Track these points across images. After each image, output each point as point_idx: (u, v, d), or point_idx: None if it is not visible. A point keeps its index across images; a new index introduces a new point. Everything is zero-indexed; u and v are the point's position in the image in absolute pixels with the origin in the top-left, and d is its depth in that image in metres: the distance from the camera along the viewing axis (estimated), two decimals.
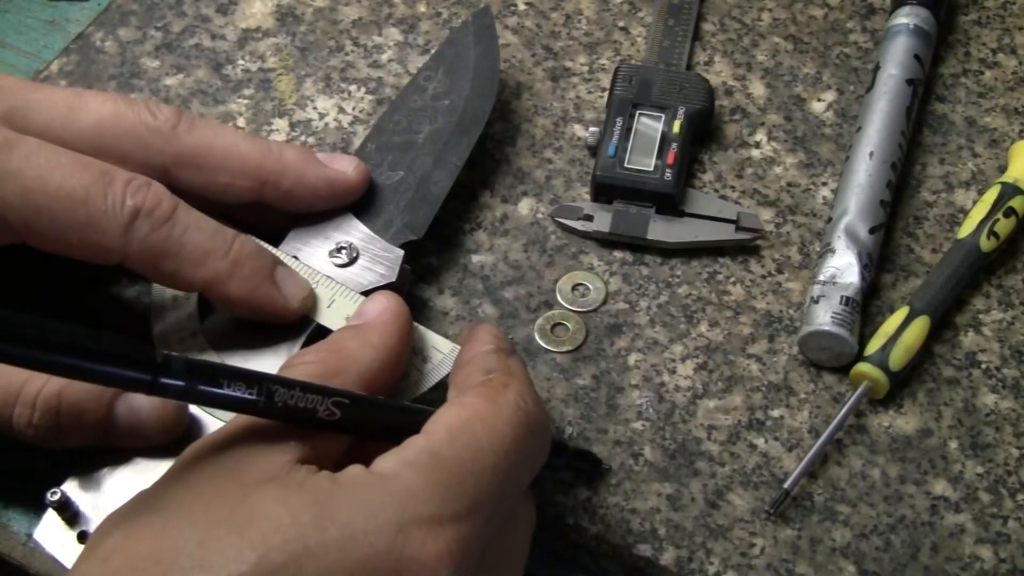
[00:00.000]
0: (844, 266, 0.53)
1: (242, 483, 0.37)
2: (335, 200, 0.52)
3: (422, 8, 0.65)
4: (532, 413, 0.41)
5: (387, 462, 0.38)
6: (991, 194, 0.56)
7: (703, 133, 0.59)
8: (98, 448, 0.45)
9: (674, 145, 0.57)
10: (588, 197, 0.57)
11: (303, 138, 0.59)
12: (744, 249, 0.56)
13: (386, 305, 0.46)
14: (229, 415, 0.46)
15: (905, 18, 0.61)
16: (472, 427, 0.40)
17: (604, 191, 0.56)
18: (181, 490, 0.38)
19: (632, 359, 0.53)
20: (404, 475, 0.38)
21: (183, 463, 0.39)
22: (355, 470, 0.38)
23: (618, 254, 0.56)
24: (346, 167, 0.52)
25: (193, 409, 0.46)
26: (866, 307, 0.54)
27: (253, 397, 0.38)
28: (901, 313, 0.52)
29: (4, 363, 0.34)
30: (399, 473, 0.38)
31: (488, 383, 0.42)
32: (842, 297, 0.52)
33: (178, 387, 0.37)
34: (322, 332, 0.48)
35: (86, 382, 0.36)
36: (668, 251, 0.56)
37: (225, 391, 0.38)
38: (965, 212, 0.57)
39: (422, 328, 0.48)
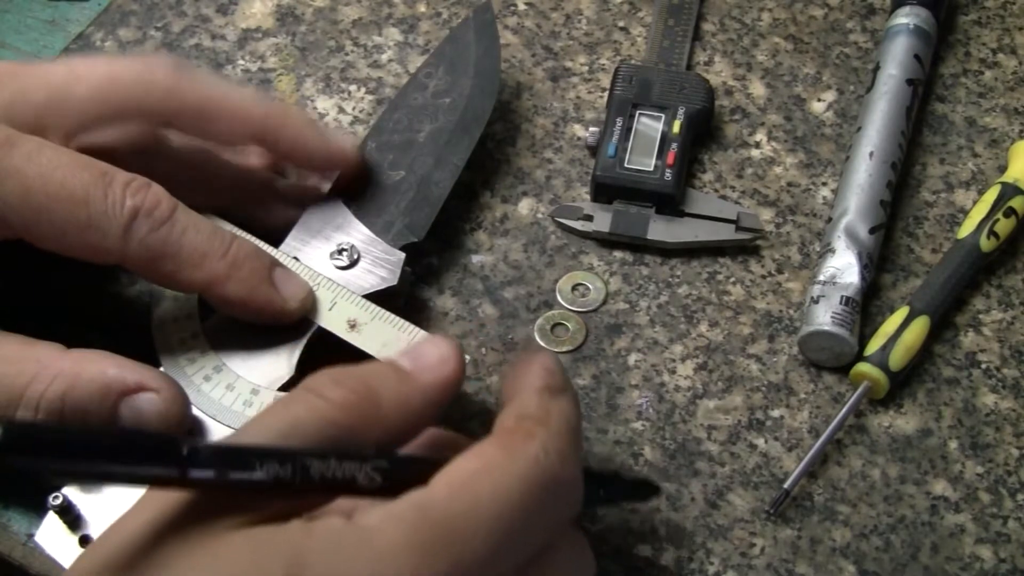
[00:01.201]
0: (844, 266, 0.53)
1: (211, 532, 0.35)
2: (329, 166, 0.52)
3: (422, 8, 0.65)
4: (553, 468, 0.37)
5: (372, 515, 0.35)
6: (991, 194, 0.56)
7: (703, 133, 0.59)
8: None
9: (674, 145, 0.57)
10: (588, 197, 0.57)
11: None
12: (744, 249, 0.56)
13: (446, 358, 0.41)
14: (233, 419, 0.46)
15: (905, 18, 0.61)
16: (476, 481, 0.36)
17: (604, 191, 0.56)
18: (152, 539, 0.35)
19: (632, 359, 0.53)
20: (386, 530, 0.35)
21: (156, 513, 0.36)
22: (333, 521, 0.35)
23: (618, 254, 0.56)
24: (345, 143, 0.53)
25: (195, 410, 0.46)
26: (866, 307, 0.54)
27: (288, 476, 0.35)
28: (901, 313, 0.52)
29: (21, 473, 0.33)
30: (381, 528, 0.35)
31: (514, 431, 0.38)
32: (842, 297, 0.52)
33: (208, 478, 0.35)
34: (324, 334, 0.48)
35: (112, 483, 0.34)
36: (668, 251, 0.56)
37: (258, 474, 0.35)
38: (965, 212, 0.57)
39: (420, 331, 0.48)
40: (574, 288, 0.55)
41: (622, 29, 0.64)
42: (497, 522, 0.36)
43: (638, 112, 0.58)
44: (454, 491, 0.36)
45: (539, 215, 0.57)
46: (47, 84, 0.47)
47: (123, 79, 0.48)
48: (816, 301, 0.52)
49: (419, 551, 0.35)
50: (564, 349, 0.53)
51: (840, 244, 0.54)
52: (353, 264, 0.51)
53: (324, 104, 0.61)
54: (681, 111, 0.58)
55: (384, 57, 0.63)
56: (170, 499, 0.36)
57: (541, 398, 0.40)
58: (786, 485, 0.49)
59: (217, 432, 0.46)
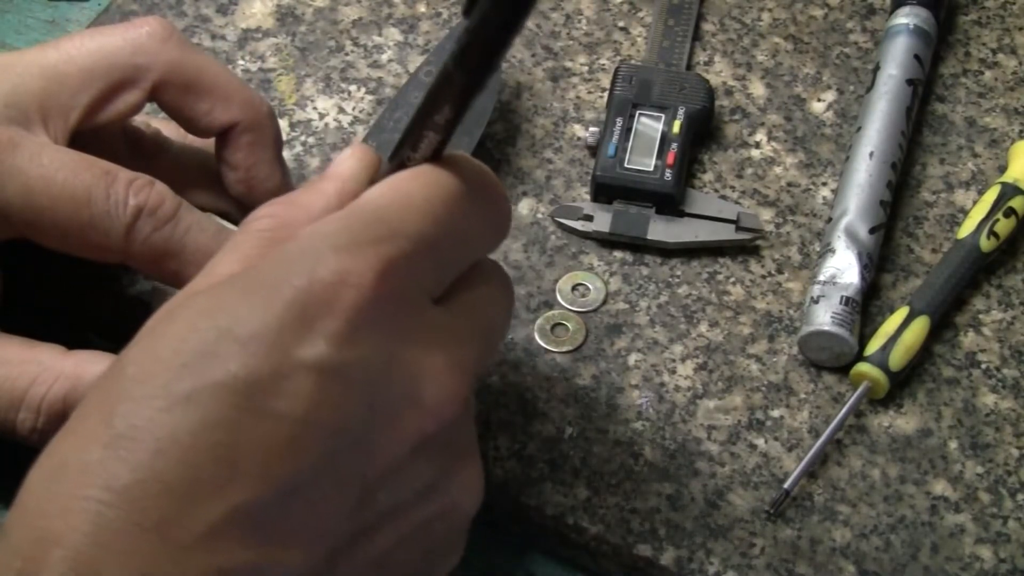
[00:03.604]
0: (844, 266, 0.53)
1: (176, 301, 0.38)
2: (245, 195, 0.51)
3: (422, 8, 0.65)
4: (484, 178, 0.40)
5: (311, 226, 0.38)
6: (991, 194, 0.56)
7: (703, 133, 0.59)
8: None
9: (674, 145, 0.57)
10: (588, 197, 0.57)
11: (303, 138, 0.59)
12: (744, 249, 0.56)
13: (350, 153, 0.42)
14: None
15: (905, 18, 0.61)
16: (407, 182, 0.39)
17: (604, 191, 0.56)
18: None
19: (632, 359, 0.53)
20: (324, 225, 0.37)
21: None
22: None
23: (618, 254, 0.56)
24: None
25: None
26: (866, 307, 0.54)
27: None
28: (901, 313, 0.52)
29: None
30: (320, 226, 0.37)
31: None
32: (842, 297, 0.52)
33: None
34: None
35: None
36: (668, 251, 0.56)
37: None
38: (965, 212, 0.57)
39: None
40: (574, 288, 0.55)
41: (622, 29, 0.64)
42: (426, 217, 0.38)
43: (638, 112, 0.58)
44: (383, 191, 0.39)
45: (539, 215, 0.57)
46: (42, 71, 0.47)
47: (111, 51, 0.47)
48: (816, 301, 0.52)
49: (355, 224, 0.37)
50: (564, 349, 0.53)
51: (840, 244, 0.54)
52: None
53: (324, 104, 0.61)
54: (681, 111, 0.58)
55: (384, 57, 0.63)
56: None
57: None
58: (786, 485, 0.49)
59: None
